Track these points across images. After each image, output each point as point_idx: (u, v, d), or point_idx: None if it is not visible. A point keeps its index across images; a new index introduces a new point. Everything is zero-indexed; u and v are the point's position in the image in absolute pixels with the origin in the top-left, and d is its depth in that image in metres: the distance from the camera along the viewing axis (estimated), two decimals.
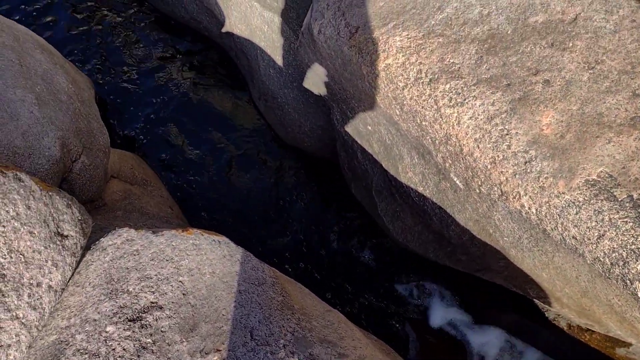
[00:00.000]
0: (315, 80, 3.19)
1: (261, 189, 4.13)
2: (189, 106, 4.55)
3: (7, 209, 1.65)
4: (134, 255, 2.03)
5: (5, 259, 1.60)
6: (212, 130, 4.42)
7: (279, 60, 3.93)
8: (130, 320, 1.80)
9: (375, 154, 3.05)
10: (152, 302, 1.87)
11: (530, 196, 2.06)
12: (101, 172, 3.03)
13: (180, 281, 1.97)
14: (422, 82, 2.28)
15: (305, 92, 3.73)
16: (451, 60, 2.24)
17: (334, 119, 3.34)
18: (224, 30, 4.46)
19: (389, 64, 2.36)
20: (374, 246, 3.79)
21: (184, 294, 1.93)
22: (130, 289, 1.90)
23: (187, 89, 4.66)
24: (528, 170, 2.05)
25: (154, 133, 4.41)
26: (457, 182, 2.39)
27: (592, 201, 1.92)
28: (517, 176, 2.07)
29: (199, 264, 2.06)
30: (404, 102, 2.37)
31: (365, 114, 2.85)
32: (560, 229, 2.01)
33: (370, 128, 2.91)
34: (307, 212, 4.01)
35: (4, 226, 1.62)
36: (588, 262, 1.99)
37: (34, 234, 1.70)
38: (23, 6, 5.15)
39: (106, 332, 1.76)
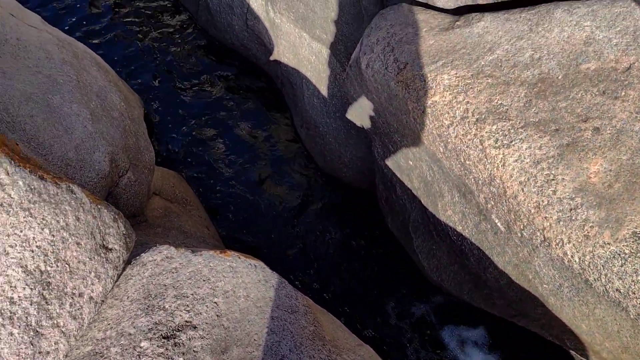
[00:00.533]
0: (359, 112, 3.22)
1: (297, 215, 4.15)
2: (232, 129, 4.64)
3: (57, 219, 1.71)
4: (173, 273, 2.06)
5: (51, 267, 1.65)
6: (252, 155, 4.49)
7: (323, 90, 3.99)
8: (164, 338, 1.82)
9: (414, 190, 3.04)
10: (186, 321, 1.89)
11: (574, 244, 2.01)
12: (145, 188, 3.11)
13: (215, 302, 1.99)
14: (469, 122, 2.27)
15: (348, 123, 3.77)
16: (499, 102, 2.24)
17: (375, 152, 3.36)
18: (271, 58, 4.56)
19: (436, 101, 2.37)
20: (407, 283, 3.74)
21: (217, 316, 1.95)
22: (167, 306, 1.93)
23: (231, 112, 4.76)
24: (573, 218, 2.01)
25: (195, 153, 4.51)
26: (499, 224, 2.36)
27: (638, 254, 1.87)
28: (561, 223, 2.03)
29: (235, 287, 2.07)
30: (449, 140, 2.37)
31: (407, 149, 2.86)
32: (603, 280, 1.96)
33: (411, 163, 2.91)
34: (341, 242, 4.00)
35: (53, 235, 1.68)
36: (632, 316, 1.92)
37: (81, 245, 1.75)
38: (85, 24, 5.39)
39: (140, 347, 1.78)
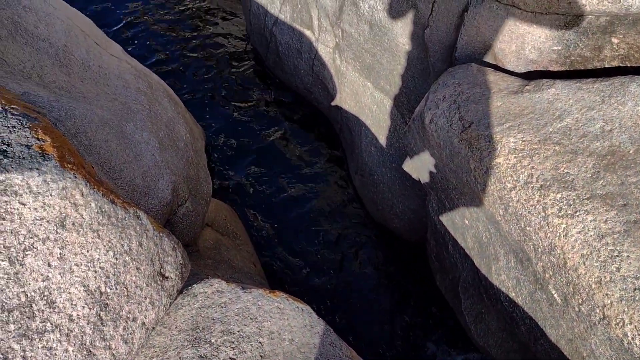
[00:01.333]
0: (417, 165, 3.22)
1: (343, 260, 4.13)
2: (287, 169, 4.72)
3: (122, 243, 1.77)
4: (222, 307, 2.08)
5: (111, 289, 1.70)
6: (305, 196, 4.53)
7: (382, 139, 4.02)
8: None
9: (468, 249, 2.98)
10: (230, 358, 1.90)
11: (635, 326, 1.92)
12: (200, 219, 3.18)
13: (260, 342, 1.99)
14: (532, 187, 2.24)
15: (403, 174, 3.77)
16: (566, 170, 2.20)
17: (429, 206, 3.33)
18: (333, 103, 4.65)
19: (500, 163, 2.35)
20: (451, 343, 3.63)
21: (261, 356, 1.94)
22: (213, 340, 1.94)
23: (288, 152, 4.85)
24: (637, 298, 1.92)
25: (250, 188, 4.59)
26: (555, 295, 2.28)
27: None
28: (623, 302, 1.94)
29: (280, 329, 2.07)
30: (510, 204, 2.33)
31: (464, 207, 2.82)
32: None
33: (467, 222, 2.87)
34: (387, 293, 3.94)
35: (116, 258, 1.73)
36: None
37: (140, 270, 1.80)
38: (158, 53, 5.68)
39: None
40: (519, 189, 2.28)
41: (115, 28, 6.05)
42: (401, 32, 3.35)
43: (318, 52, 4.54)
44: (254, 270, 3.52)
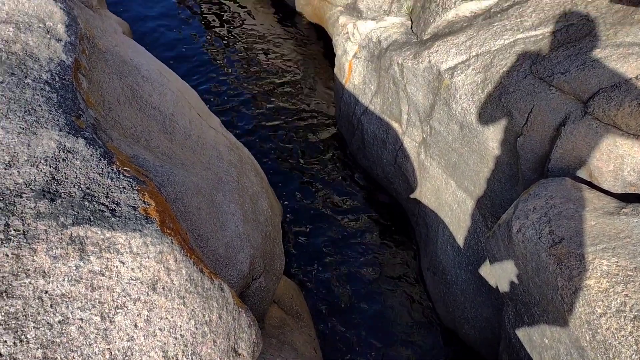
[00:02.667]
0: (498, 273, 3.12)
1: None
2: (358, 256, 4.70)
3: (204, 313, 1.81)
4: None
5: (187, 358, 1.72)
6: (373, 286, 4.46)
7: (459, 239, 3.95)
8: None
9: None
10: None
11: None
12: (271, 295, 3.20)
13: None
14: (625, 317, 2.10)
15: (480, 279, 3.65)
16: None
17: (506, 318, 3.18)
18: (412, 196, 4.66)
19: (590, 285, 2.24)
20: None
21: None
22: None
23: (361, 239, 4.85)
24: None
25: (318, 271, 4.59)
26: None
27: None
28: None
29: None
30: (598, 330, 2.19)
31: (545, 325, 2.67)
32: None
33: (547, 342, 2.71)
34: None
35: (197, 328, 1.77)
36: None
37: (217, 343, 1.81)
38: (247, 127, 5.98)
39: None
40: (610, 317, 2.15)
41: (214, 101, 6.46)
42: (492, 136, 3.36)
43: (403, 144, 4.62)
44: (314, 357, 3.44)
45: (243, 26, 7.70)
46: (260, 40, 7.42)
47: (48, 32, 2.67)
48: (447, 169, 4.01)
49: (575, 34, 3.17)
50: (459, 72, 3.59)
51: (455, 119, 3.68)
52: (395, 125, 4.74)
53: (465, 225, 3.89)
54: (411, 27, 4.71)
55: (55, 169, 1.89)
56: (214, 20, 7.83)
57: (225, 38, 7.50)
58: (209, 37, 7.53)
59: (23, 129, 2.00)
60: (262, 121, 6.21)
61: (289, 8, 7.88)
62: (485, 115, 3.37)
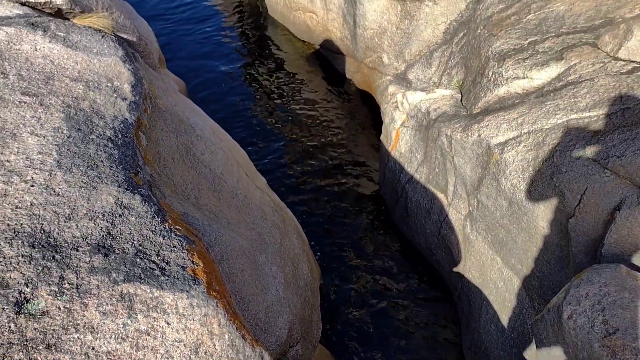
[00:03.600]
0: (544, 358, 2.96)
1: None
2: (397, 326, 4.57)
3: None
4: None
5: None
6: (413, 355, 4.32)
7: (504, 319, 3.80)
8: None
9: None
10: None
11: None
12: None
13: None
14: None
15: None
16: None
17: None
18: (455, 269, 4.55)
19: None
20: None
21: None
22: None
23: (400, 310, 4.73)
24: None
25: (353, 339, 4.47)
26: None
27: None
28: None
29: None
30: None
31: None
32: None
33: None
34: None
35: None
36: None
37: None
38: (291, 187, 6.05)
39: None
40: None
41: (261, 159, 6.60)
42: (542, 215, 3.29)
43: (448, 216, 4.56)
44: None
45: (293, 89, 7.94)
46: (309, 104, 7.62)
47: (115, 91, 2.82)
48: (494, 244, 3.92)
49: (631, 117, 3.13)
50: (509, 148, 3.58)
51: (504, 194, 3.62)
52: (440, 195, 4.70)
53: (511, 305, 3.75)
54: (461, 100, 4.75)
55: (112, 224, 1.95)
56: (265, 81, 8.12)
57: (275, 99, 7.73)
58: (259, 97, 7.79)
59: (85, 183, 2.08)
60: (306, 183, 6.28)
61: (339, 74, 8.10)
62: (536, 194, 3.31)
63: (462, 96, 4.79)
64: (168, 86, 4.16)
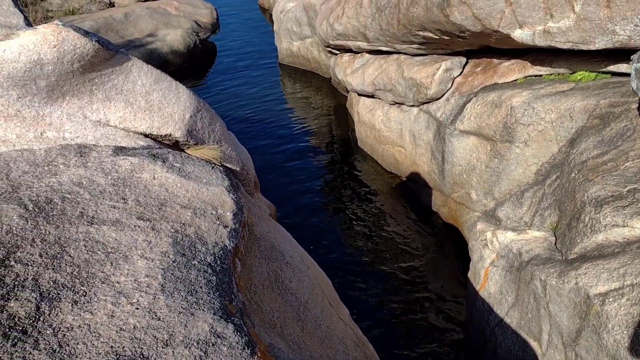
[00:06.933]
0: None
1: None
2: None
3: None
4: None
5: None
6: None
7: None
8: None
9: None
10: None
11: None
12: None
13: None
14: None
15: None
16: None
17: None
18: None
19: None
20: None
21: None
22: None
23: None
24: None
25: None
26: None
27: None
28: None
29: None
30: None
31: None
32: None
33: None
34: None
35: None
36: None
37: None
38: (376, 329, 5.88)
39: None
40: None
41: (344, 290, 6.57)
42: None
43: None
44: None
45: (379, 218, 8.04)
46: (394, 234, 7.64)
47: (218, 218, 3.01)
48: None
49: None
50: (611, 300, 3.35)
51: (606, 350, 3.34)
52: (533, 344, 4.39)
53: None
54: (555, 244, 4.59)
55: (205, 353, 1.99)
56: (352, 208, 8.30)
57: (362, 228, 7.83)
58: (346, 226, 7.93)
59: (184, 308, 2.18)
60: (390, 318, 6.12)
61: (425, 207, 8.15)
62: None
63: (556, 239, 4.63)
64: (263, 213, 4.38)
